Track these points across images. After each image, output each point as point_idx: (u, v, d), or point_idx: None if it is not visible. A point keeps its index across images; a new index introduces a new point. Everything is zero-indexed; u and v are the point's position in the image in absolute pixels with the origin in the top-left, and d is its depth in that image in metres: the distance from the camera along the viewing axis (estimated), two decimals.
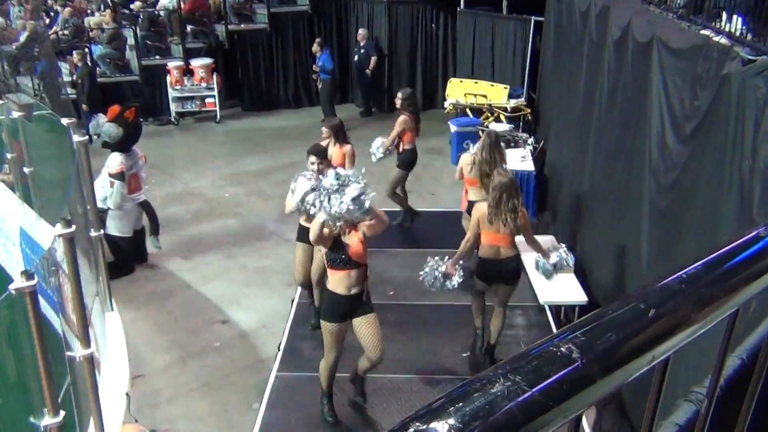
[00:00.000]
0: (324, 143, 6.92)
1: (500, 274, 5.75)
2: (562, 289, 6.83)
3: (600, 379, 0.63)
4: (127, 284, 8.08)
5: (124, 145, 8.07)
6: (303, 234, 5.87)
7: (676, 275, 0.75)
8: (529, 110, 11.79)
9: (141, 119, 8.63)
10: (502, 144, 7.04)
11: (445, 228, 8.28)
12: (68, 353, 4.17)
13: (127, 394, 4.87)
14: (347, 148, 7.14)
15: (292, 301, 7.03)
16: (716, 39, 5.05)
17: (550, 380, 0.61)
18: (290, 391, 5.75)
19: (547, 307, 6.77)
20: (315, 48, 13.49)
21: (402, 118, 8.15)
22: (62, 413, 3.55)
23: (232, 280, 8.28)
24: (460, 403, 0.58)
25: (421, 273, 5.82)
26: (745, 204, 4.29)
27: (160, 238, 8.61)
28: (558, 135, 9.52)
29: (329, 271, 4.95)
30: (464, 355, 6.13)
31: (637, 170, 6.12)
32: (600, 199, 7.12)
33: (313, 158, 5.83)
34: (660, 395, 0.79)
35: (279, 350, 6.29)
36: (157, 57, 14.31)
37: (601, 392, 0.64)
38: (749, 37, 4.75)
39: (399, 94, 8.35)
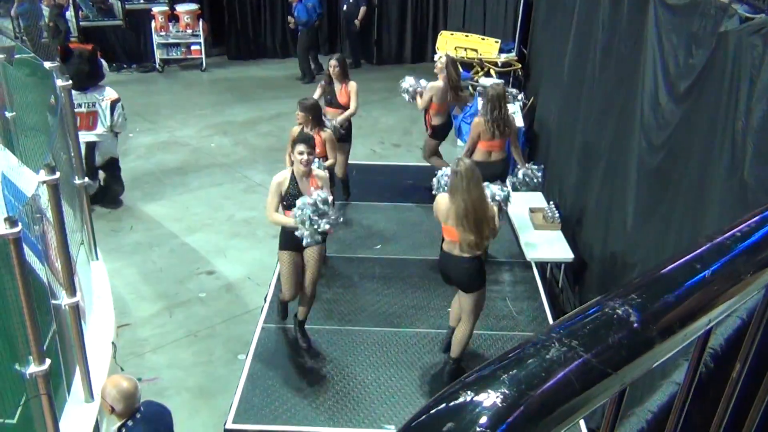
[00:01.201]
0: (298, 128, 6.39)
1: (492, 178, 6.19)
2: (548, 246, 6.85)
3: (659, 343, 0.59)
4: (112, 234, 8.01)
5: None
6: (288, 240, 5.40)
7: (729, 233, 0.71)
8: (520, 65, 11.66)
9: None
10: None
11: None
12: (53, 302, 4.13)
13: (112, 342, 4.86)
14: (326, 134, 6.49)
15: None
16: None
17: (607, 345, 0.56)
18: (276, 343, 5.76)
19: (533, 264, 6.79)
20: None
21: (431, 84, 7.71)
22: (48, 361, 3.53)
23: (218, 230, 8.22)
24: (514, 370, 0.53)
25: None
26: (736, 164, 4.27)
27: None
28: (549, 91, 9.42)
29: (284, 212, 5.27)
30: (449, 309, 6.15)
31: (629, 128, 6.08)
32: (590, 157, 7.08)
33: (301, 147, 5.13)
34: (699, 364, 0.75)
35: (265, 302, 6.27)
36: (142, 1, 13.96)
37: (659, 358, 0.60)
38: None
39: (438, 59, 7.96)
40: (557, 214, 7.14)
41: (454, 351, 5.30)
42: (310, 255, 5.40)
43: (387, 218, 7.76)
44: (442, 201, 4.99)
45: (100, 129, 8.39)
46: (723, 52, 4.56)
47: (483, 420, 0.50)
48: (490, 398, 0.51)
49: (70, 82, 5.33)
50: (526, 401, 0.51)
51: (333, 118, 7.23)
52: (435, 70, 7.84)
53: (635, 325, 0.59)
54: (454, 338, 5.33)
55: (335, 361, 5.56)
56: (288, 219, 5.14)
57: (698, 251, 0.68)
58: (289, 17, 13.27)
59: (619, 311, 0.59)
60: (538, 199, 7.64)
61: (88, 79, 8.31)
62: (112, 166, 8.79)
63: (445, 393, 0.53)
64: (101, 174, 8.75)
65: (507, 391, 0.52)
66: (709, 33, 4.81)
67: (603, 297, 0.62)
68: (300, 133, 5.87)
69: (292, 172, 5.23)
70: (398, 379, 5.39)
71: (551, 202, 7.40)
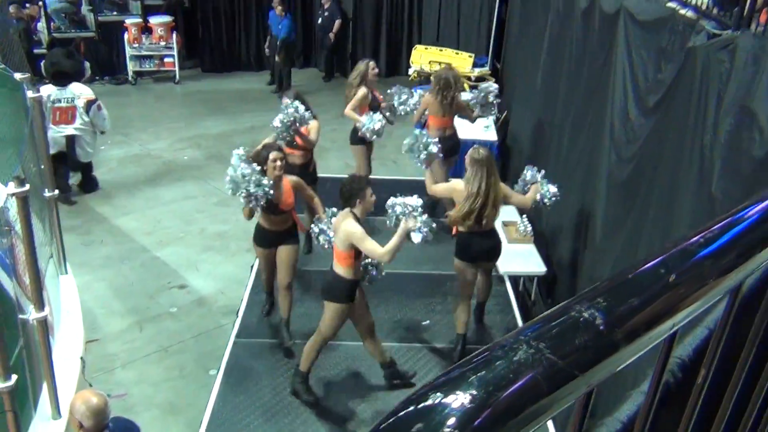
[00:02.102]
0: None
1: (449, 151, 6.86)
2: (521, 259, 6.89)
3: (623, 347, 0.60)
4: (83, 247, 7.90)
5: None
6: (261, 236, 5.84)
7: (694, 238, 0.72)
8: (493, 79, 11.76)
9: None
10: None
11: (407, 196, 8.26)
12: (21, 316, 4.06)
13: (81, 358, 4.78)
14: (313, 123, 6.46)
15: (252, 267, 6.94)
16: (682, 12, 5.07)
17: (574, 347, 0.57)
18: (248, 358, 5.70)
19: (506, 277, 6.82)
20: (278, 11, 13.05)
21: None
22: (14, 377, 3.47)
23: (190, 244, 8.14)
24: (482, 372, 0.54)
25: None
26: (704, 178, 4.34)
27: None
28: (522, 105, 9.53)
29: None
30: (424, 323, 6.17)
31: (599, 142, 6.17)
32: (562, 170, 7.16)
33: (273, 155, 5.34)
34: (663, 371, 0.77)
35: (237, 316, 6.22)
36: (115, 13, 13.86)
37: (624, 360, 0.61)
38: (715, 10, 4.77)
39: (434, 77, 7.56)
40: (530, 228, 7.19)
41: (483, 296, 6.05)
42: (282, 254, 5.67)
43: (379, 233, 7.74)
44: (459, 186, 5.44)
45: (78, 122, 8.74)
46: (691, 67, 4.65)
47: (451, 421, 0.50)
48: (459, 400, 0.52)
49: (40, 94, 5.27)
50: (494, 402, 0.52)
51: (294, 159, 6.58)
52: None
53: (601, 327, 0.59)
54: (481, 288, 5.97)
55: (322, 374, 5.51)
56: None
57: (663, 256, 0.69)
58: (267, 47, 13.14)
59: (586, 314, 0.60)
60: (511, 213, 7.69)
61: (67, 75, 8.77)
62: (88, 166, 9.25)
63: (413, 395, 0.53)
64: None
65: (475, 393, 0.52)
66: (677, 48, 4.91)
67: (570, 300, 0.62)
68: (264, 148, 5.65)
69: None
70: (374, 392, 5.37)
71: (524, 216, 7.45)
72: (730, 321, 0.88)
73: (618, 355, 0.60)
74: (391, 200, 4.95)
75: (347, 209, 4.91)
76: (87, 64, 9.66)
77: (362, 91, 7.06)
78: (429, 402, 0.51)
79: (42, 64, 9.19)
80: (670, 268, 0.68)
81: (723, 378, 1.15)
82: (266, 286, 6.11)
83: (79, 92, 8.80)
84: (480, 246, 5.58)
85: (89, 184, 9.35)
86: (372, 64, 7.28)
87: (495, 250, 5.72)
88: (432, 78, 7.73)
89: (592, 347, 0.58)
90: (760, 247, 0.76)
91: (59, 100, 8.63)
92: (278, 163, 5.32)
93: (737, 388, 1.13)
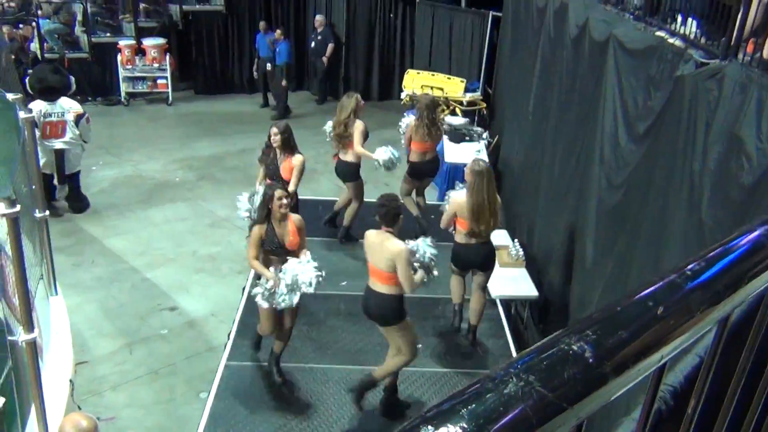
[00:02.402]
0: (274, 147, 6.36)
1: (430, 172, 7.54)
2: (513, 283, 6.90)
3: (612, 379, 0.61)
4: (73, 268, 7.86)
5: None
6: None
7: (680, 271, 0.73)
8: (484, 104, 11.86)
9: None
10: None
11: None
12: (10, 338, 4.02)
13: (70, 380, 4.73)
14: (297, 160, 6.36)
15: (243, 289, 6.91)
16: (671, 41, 5.14)
17: (563, 380, 0.58)
18: (239, 381, 5.66)
19: (498, 301, 6.82)
20: (278, 35, 13.20)
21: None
22: (2, 400, 3.43)
23: (181, 266, 8.12)
24: (473, 405, 0.54)
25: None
26: (694, 204, 4.38)
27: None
28: (513, 130, 9.60)
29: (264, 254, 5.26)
30: (418, 346, 6.14)
31: (590, 167, 6.21)
32: (553, 195, 7.21)
33: (279, 192, 5.21)
34: (654, 401, 0.77)
35: (228, 339, 6.18)
36: (108, 34, 13.92)
37: (613, 393, 0.62)
38: (703, 40, 4.84)
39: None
40: (521, 252, 7.21)
41: (474, 319, 6.10)
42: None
43: (353, 255, 7.74)
44: (460, 198, 5.68)
45: (68, 136, 8.93)
46: (680, 95, 4.71)
47: None
48: None
49: (32, 114, 5.27)
50: None
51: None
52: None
53: (590, 360, 0.60)
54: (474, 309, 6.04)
55: (299, 400, 5.48)
56: (267, 272, 5.10)
57: (651, 288, 0.71)
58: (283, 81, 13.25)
59: (575, 347, 0.61)
60: (502, 236, 7.72)
61: (55, 90, 8.98)
62: (75, 178, 9.37)
63: (405, 428, 0.54)
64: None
65: (466, 426, 0.53)
66: (666, 77, 4.97)
67: (560, 333, 0.63)
68: (267, 187, 5.53)
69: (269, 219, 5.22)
70: (362, 417, 5.34)
71: (515, 240, 7.48)
72: (718, 351, 0.89)
73: (607, 387, 0.61)
74: (421, 246, 5.10)
75: (385, 230, 4.94)
76: (72, 79, 9.81)
77: (360, 125, 7.06)
78: None
79: (27, 80, 9.27)
80: (659, 300, 0.69)
81: (714, 405, 1.16)
82: (267, 331, 5.58)
83: (68, 106, 8.99)
84: (476, 255, 5.85)
85: (79, 202, 9.39)
86: (359, 97, 7.30)
87: (489, 260, 5.96)
88: (446, 134, 8.29)
89: (581, 380, 0.59)
90: (747, 279, 0.77)
91: (50, 115, 8.78)
92: (284, 201, 5.16)
93: (728, 416, 1.14)
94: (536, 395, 0.56)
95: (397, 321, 5.04)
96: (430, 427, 0.52)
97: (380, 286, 4.95)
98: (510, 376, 0.57)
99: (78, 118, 8.98)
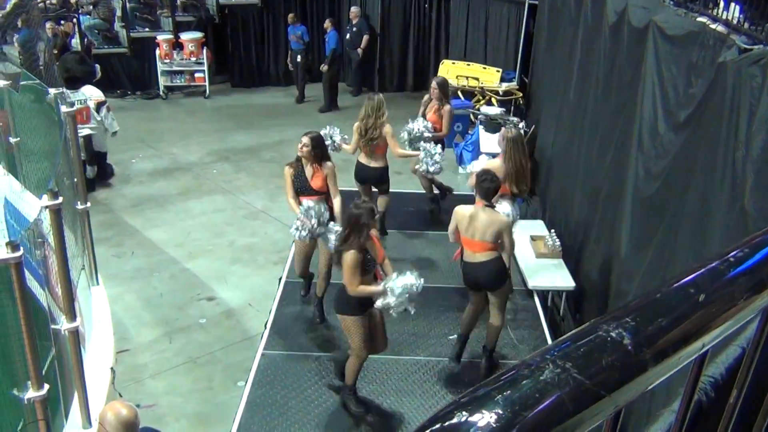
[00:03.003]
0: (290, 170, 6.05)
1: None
2: (550, 274, 6.84)
3: (652, 367, 0.60)
4: (114, 258, 8.01)
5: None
6: None
7: (722, 258, 0.71)
8: (520, 94, 11.74)
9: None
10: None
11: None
12: (53, 326, 4.12)
13: (111, 368, 4.83)
14: (328, 168, 6.01)
15: (280, 279, 6.98)
16: (713, 26, 5.01)
17: (601, 367, 0.57)
18: (276, 370, 5.72)
19: (535, 293, 6.77)
20: (327, 24, 13.38)
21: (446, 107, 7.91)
22: (46, 386, 3.51)
23: (219, 256, 8.22)
24: (508, 391, 0.54)
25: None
26: (736, 194, 4.28)
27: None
28: (549, 120, 9.48)
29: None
30: (450, 337, 6.12)
31: (627, 157, 6.11)
32: (590, 185, 7.10)
33: (304, 139, 5.97)
34: (694, 391, 0.76)
35: (265, 328, 6.25)
36: (147, 29, 14.12)
37: (652, 381, 0.61)
38: (746, 25, 4.72)
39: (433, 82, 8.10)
40: (558, 243, 7.14)
41: (491, 342, 5.76)
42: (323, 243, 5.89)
43: (390, 245, 7.75)
44: (462, 212, 5.41)
45: (93, 122, 9.38)
46: (722, 82, 4.60)
47: None
48: (484, 419, 0.52)
49: (74, 108, 5.38)
50: (520, 422, 0.52)
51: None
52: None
53: (629, 347, 0.59)
54: (489, 330, 5.72)
55: (335, 389, 5.52)
56: (374, 289, 4.86)
57: (692, 276, 0.69)
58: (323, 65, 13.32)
59: (613, 334, 0.59)
60: (539, 227, 7.65)
61: (78, 80, 9.47)
62: (103, 157, 9.93)
63: (440, 413, 0.54)
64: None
65: (501, 412, 0.52)
66: (708, 63, 4.85)
67: (598, 320, 0.62)
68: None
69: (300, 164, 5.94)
70: (399, 407, 5.35)
71: (552, 231, 7.40)
72: (762, 341, 0.87)
73: (646, 375, 0.59)
74: (401, 283, 4.76)
75: (484, 204, 5.34)
76: (98, 67, 10.44)
77: (390, 127, 6.97)
78: (455, 420, 0.51)
79: (56, 68, 9.55)
80: (700, 287, 0.67)
81: (756, 398, 1.13)
82: (298, 272, 6.45)
83: (90, 94, 9.42)
84: (480, 272, 5.44)
85: (105, 173, 9.94)
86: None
87: (497, 278, 5.47)
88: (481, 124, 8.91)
89: (619, 367, 0.57)
90: None
91: (72, 103, 9.04)
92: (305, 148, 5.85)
93: None
94: (573, 382, 0.55)
95: (505, 281, 5.48)
96: (464, 413, 0.51)
97: (484, 255, 5.32)
98: (546, 363, 0.56)
99: (99, 106, 9.41)
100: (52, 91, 5.73)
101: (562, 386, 0.54)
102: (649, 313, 0.63)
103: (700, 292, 0.66)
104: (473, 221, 5.30)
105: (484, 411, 0.52)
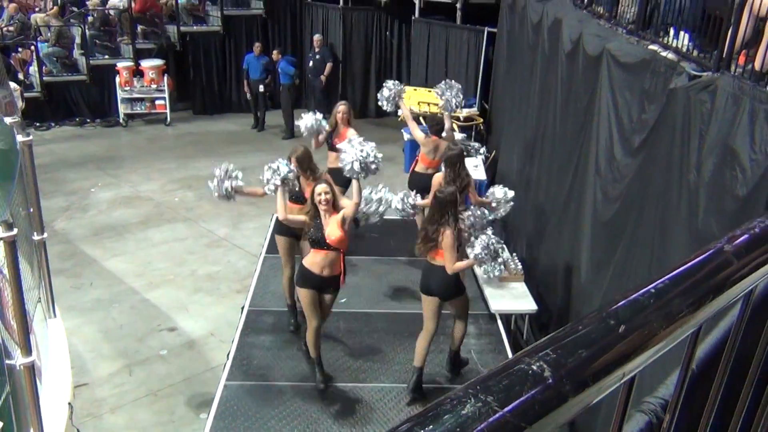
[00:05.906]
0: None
1: None
2: (512, 297, 6.89)
3: (572, 397, 0.62)
4: (72, 290, 7.86)
5: None
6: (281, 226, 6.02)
7: (644, 289, 0.74)
8: (481, 120, 11.90)
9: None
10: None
11: (397, 236, 8.31)
12: (8, 361, 4.02)
13: (69, 403, 4.72)
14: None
15: (242, 308, 6.92)
16: (664, 54, 5.17)
17: (521, 400, 0.59)
18: (238, 401, 5.64)
19: (497, 316, 6.81)
20: (275, 56, 13.44)
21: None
22: (0, 424, 3.42)
23: (180, 286, 8.12)
24: (430, 426, 0.55)
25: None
26: (690, 216, 4.39)
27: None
28: (509, 145, 9.63)
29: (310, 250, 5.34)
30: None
31: (586, 181, 6.23)
32: (551, 209, 7.22)
33: (320, 188, 5.34)
34: (625, 415, 0.78)
35: (228, 359, 6.17)
36: (106, 57, 14.02)
37: (573, 411, 0.63)
38: (695, 53, 4.88)
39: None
40: (520, 266, 7.21)
41: (456, 345, 5.82)
42: (328, 298, 5.67)
43: (352, 271, 7.74)
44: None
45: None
46: (673, 107, 4.74)
47: None
48: None
49: (30, 137, 5.30)
50: None
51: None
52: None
53: (549, 380, 0.61)
54: (455, 336, 5.78)
55: (299, 419, 5.46)
56: (468, 262, 5.46)
57: (613, 307, 0.72)
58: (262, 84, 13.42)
59: (534, 366, 0.62)
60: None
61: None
62: None
63: None
64: None
65: None
66: (660, 89, 5.00)
67: (521, 353, 0.64)
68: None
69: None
70: None
71: (514, 254, 7.47)
72: (691, 366, 0.90)
73: (567, 406, 0.61)
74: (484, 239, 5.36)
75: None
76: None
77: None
78: None
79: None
80: (620, 319, 0.70)
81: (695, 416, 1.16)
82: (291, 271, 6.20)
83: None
84: (430, 275, 5.50)
85: None
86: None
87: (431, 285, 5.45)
88: None
89: (539, 400, 0.59)
90: (712, 296, 0.78)
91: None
92: (323, 197, 5.28)
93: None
94: (494, 415, 0.56)
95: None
96: None
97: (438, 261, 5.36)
98: (468, 397, 0.58)
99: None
100: (7, 120, 5.64)
101: (483, 420, 0.56)
102: (570, 345, 0.66)
103: (620, 323, 0.69)
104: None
105: None
